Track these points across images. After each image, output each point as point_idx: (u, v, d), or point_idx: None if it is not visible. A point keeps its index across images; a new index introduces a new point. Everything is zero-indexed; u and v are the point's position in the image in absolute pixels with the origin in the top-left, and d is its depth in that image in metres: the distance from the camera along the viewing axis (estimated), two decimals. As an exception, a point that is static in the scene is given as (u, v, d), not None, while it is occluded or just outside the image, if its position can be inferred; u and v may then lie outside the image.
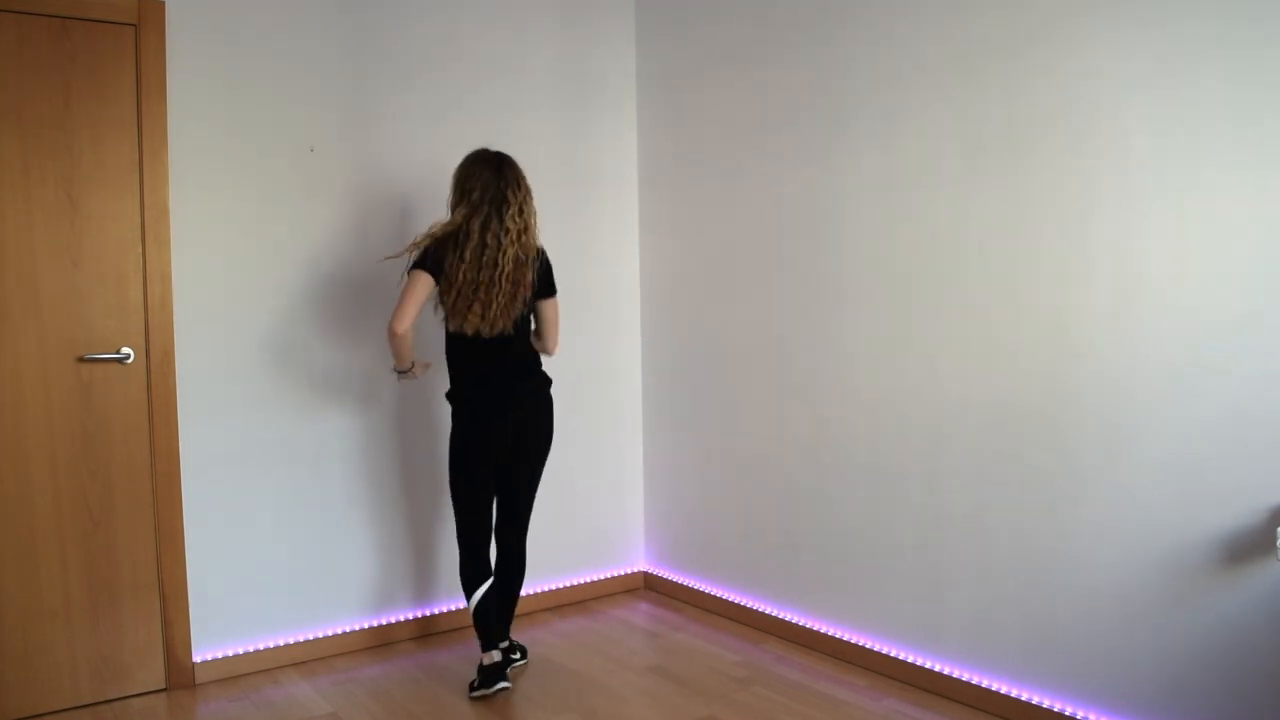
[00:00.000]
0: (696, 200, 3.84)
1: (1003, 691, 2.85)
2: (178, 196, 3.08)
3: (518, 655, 3.27)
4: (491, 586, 3.08)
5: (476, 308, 2.85)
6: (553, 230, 3.87)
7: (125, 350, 3.01)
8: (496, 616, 3.09)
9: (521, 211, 2.87)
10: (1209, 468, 2.40)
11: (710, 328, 3.81)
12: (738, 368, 3.69)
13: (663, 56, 3.98)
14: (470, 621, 3.30)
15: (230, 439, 3.20)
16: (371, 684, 3.18)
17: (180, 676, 3.13)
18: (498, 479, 3.09)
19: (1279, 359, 2.28)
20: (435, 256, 2.85)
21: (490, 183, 2.86)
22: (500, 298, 2.85)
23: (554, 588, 3.93)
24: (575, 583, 3.97)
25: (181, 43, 3.06)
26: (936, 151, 2.96)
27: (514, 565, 3.19)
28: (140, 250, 3.02)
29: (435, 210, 3.60)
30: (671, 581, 4.05)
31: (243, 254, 3.21)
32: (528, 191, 2.92)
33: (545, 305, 3.06)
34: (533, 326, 3.11)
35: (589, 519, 4.04)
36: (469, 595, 3.07)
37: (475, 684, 3.04)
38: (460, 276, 2.82)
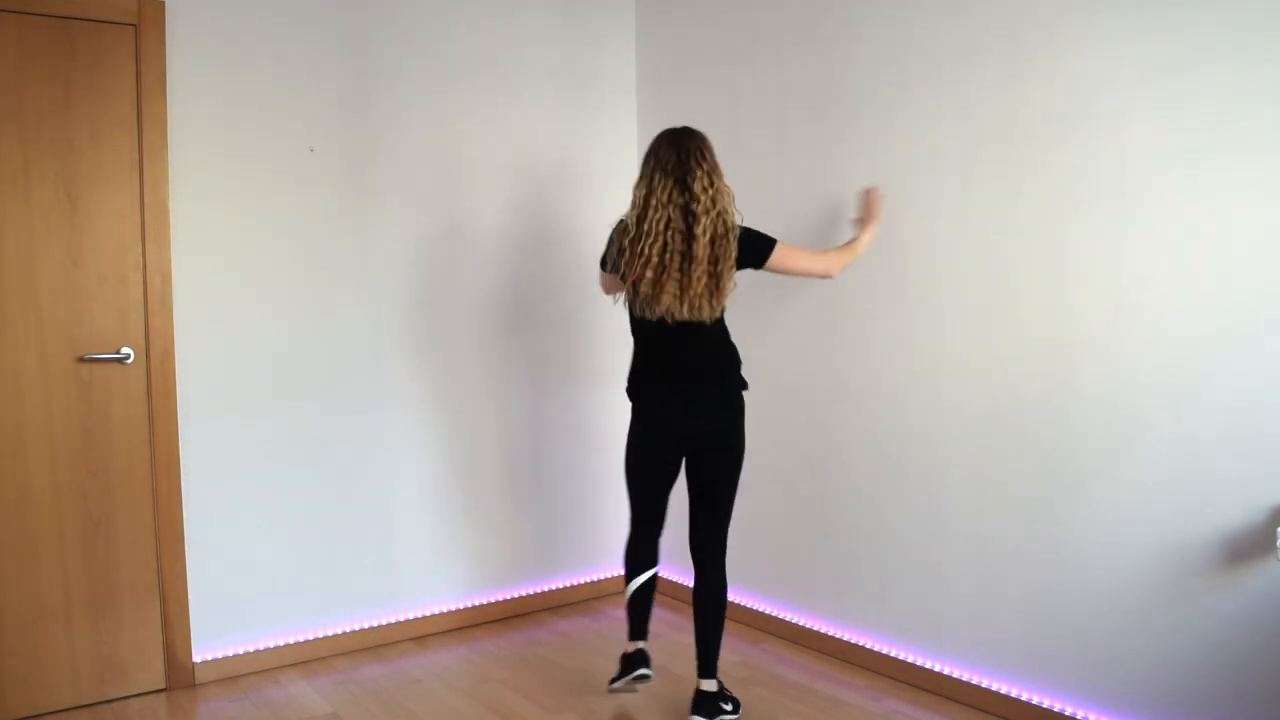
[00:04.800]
0: (696, 200, 3.83)
1: (1003, 691, 2.85)
2: (178, 196, 3.08)
3: (729, 708, 2.84)
4: (650, 580, 2.86)
5: (671, 287, 2.57)
6: (553, 230, 3.88)
7: (125, 350, 3.01)
8: (699, 643, 2.84)
9: (712, 182, 2.60)
10: (1209, 468, 2.40)
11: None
12: (738, 368, 3.69)
13: (663, 56, 3.98)
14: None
15: (230, 439, 3.20)
16: (371, 684, 3.18)
17: (180, 676, 3.13)
18: (691, 488, 2.86)
19: (1278, 358, 2.28)
20: (609, 254, 2.77)
21: (668, 155, 2.63)
22: (700, 276, 2.57)
23: (554, 588, 3.93)
24: (575, 583, 3.97)
25: (181, 42, 3.06)
26: (936, 151, 2.96)
27: (706, 589, 2.85)
28: (140, 250, 3.02)
29: (434, 209, 3.60)
30: (671, 581, 4.04)
31: (242, 253, 3.21)
32: (715, 165, 2.64)
33: (779, 263, 2.73)
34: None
35: (589, 519, 4.03)
36: (626, 581, 2.91)
37: (613, 677, 2.88)
38: (644, 254, 2.58)
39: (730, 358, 2.78)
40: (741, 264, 2.68)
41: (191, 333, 3.12)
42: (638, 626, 2.90)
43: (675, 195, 2.59)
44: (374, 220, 3.46)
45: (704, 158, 2.63)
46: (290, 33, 3.26)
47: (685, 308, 2.60)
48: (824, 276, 2.90)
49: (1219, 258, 2.37)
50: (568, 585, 3.96)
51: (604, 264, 2.84)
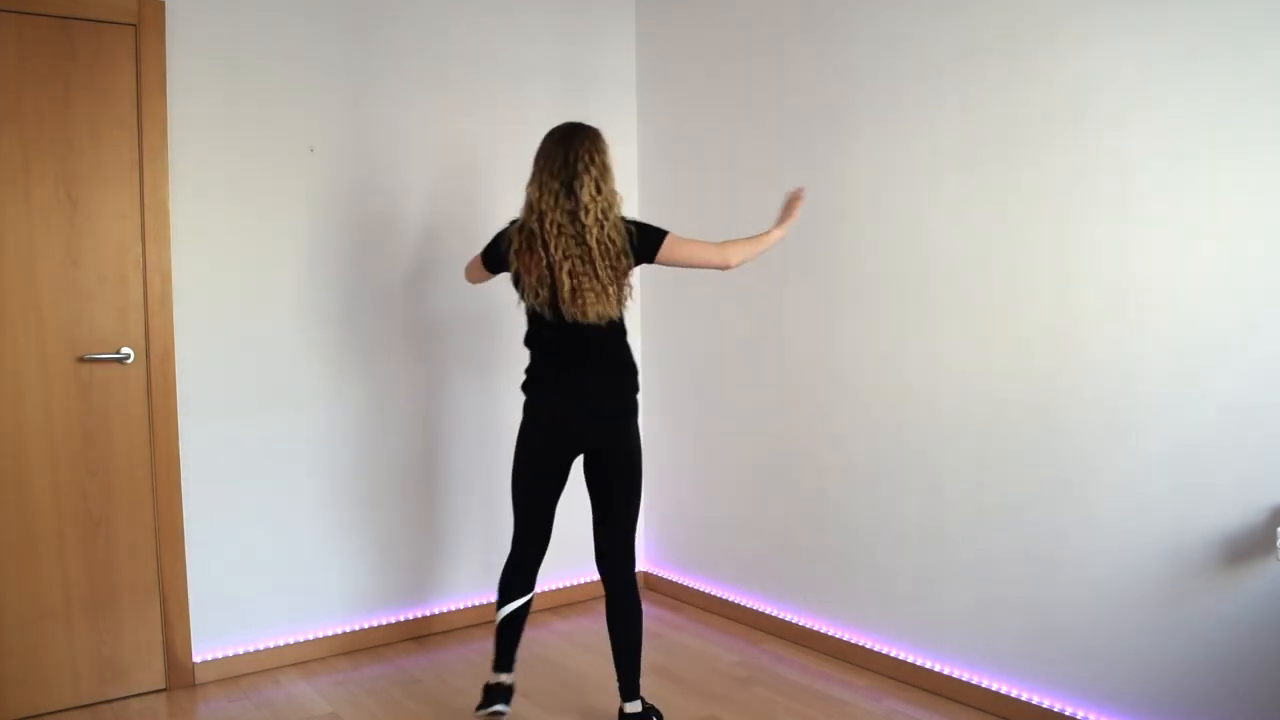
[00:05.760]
0: (696, 200, 3.84)
1: (1003, 691, 2.85)
2: (178, 196, 3.08)
3: None
4: (523, 607, 2.74)
5: (567, 293, 2.51)
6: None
7: (125, 350, 3.01)
8: (619, 665, 2.75)
9: (599, 188, 2.52)
10: (1209, 468, 2.40)
11: (710, 327, 3.81)
12: (737, 367, 3.69)
13: (663, 56, 3.98)
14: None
15: (230, 439, 3.20)
16: (371, 684, 3.18)
17: (180, 676, 3.13)
18: (592, 495, 2.77)
19: (1278, 358, 2.28)
20: (496, 248, 2.69)
21: (556, 156, 2.54)
22: (592, 281, 2.51)
23: (554, 588, 3.93)
24: (575, 583, 3.97)
25: (181, 43, 3.06)
26: (937, 150, 2.96)
27: (622, 610, 2.73)
28: (140, 250, 3.02)
29: (435, 210, 3.60)
30: (671, 581, 4.05)
31: (242, 253, 3.21)
32: (605, 167, 2.56)
33: (670, 254, 2.64)
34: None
35: (589, 519, 4.02)
36: (498, 606, 2.75)
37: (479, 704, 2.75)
38: (540, 259, 2.52)
39: (626, 362, 2.71)
40: (635, 260, 2.60)
41: (191, 333, 3.12)
42: (504, 657, 2.73)
43: (563, 199, 2.51)
44: (373, 220, 3.46)
45: (593, 160, 2.54)
46: (290, 32, 3.26)
47: (583, 311, 2.53)
48: (721, 267, 2.74)
49: (1219, 258, 2.37)
50: (568, 585, 3.96)
51: (486, 257, 2.75)
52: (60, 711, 2.96)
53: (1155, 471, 2.50)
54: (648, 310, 4.11)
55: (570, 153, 2.54)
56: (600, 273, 2.52)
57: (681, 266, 2.73)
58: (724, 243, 2.75)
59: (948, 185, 2.94)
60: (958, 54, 2.89)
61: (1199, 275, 2.40)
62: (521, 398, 2.76)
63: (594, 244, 2.51)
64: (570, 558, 3.97)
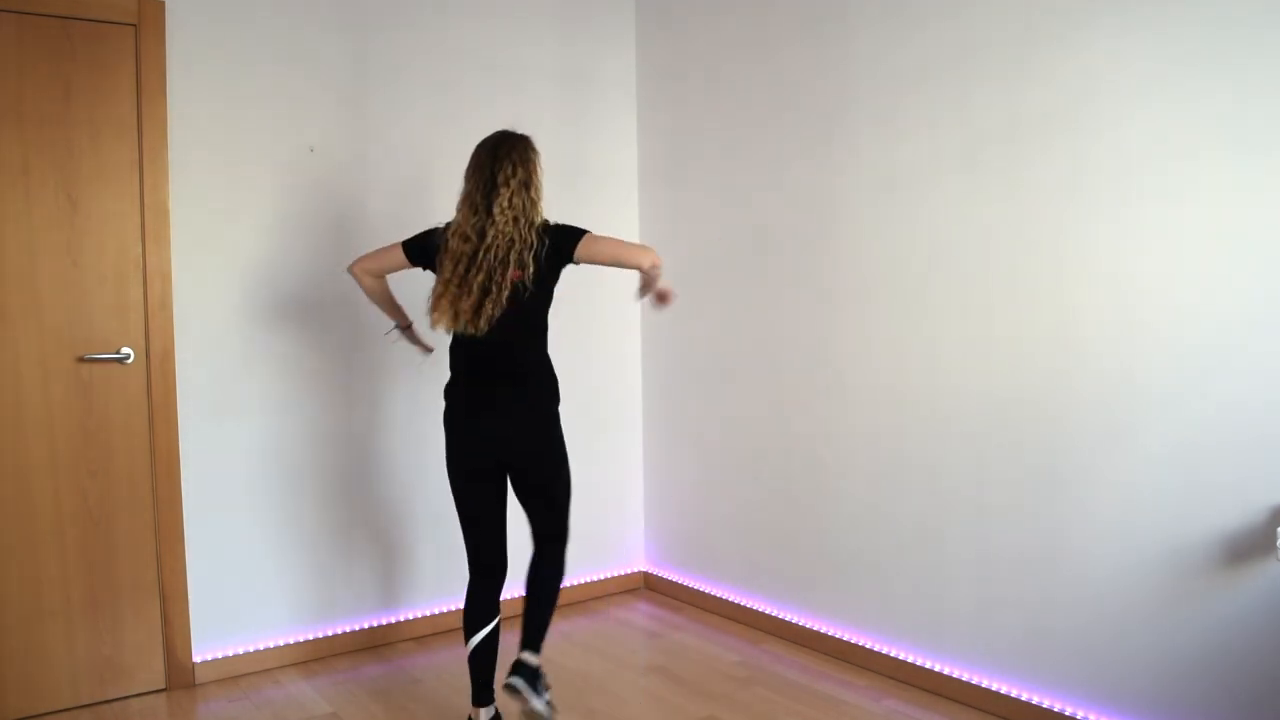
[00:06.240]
0: (696, 199, 3.84)
1: (1003, 691, 2.85)
2: (178, 196, 3.08)
3: (548, 695, 2.63)
4: (491, 633, 2.65)
5: (446, 303, 2.51)
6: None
7: (125, 350, 3.01)
8: (526, 617, 2.69)
9: (511, 203, 2.49)
10: (1209, 467, 2.40)
11: (710, 327, 3.81)
12: (738, 367, 3.69)
13: (663, 56, 3.98)
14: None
15: (230, 439, 3.20)
16: (371, 684, 3.18)
17: (180, 676, 3.13)
18: (521, 497, 2.71)
19: (1278, 358, 2.28)
20: (420, 243, 2.65)
21: (484, 167, 2.53)
22: (479, 295, 2.48)
23: (554, 588, 3.93)
24: (575, 583, 3.97)
25: (181, 43, 3.07)
26: (937, 150, 2.96)
27: (542, 570, 2.72)
28: (140, 250, 3.02)
29: (435, 209, 3.60)
30: (671, 581, 4.05)
31: (242, 254, 3.21)
32: (526, 177, 2.53)
33: (588, 254, 2.56)
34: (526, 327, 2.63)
35: (589, 519, 4.02)
36: (465, 638, 2.67)
37: None
38: (444, 268, 2.54)
39: (540, 373, 2.65)
40: (552, 262, 2.54)
41: (191, 333, 3.12)
42: (481, 689, 2.66)
43: (481, 216, 2.51)
44: (372, 220, 3.46)
45: (514, 173, 2.51)
46: (290, 33, 3.26)
47: (474, 323, 2.49)
48: (639, 267, 2.61)
49: (1219, 258, 2.37)
50: (568, 585, 3.95)
51: (410, 247, 2.68)
52: (60, 711, 2.96)
53: (1155, 471, 2.50)
54: (647, 310, 4.11)
55: (496, 166, 2.53)
56: (495, 288, 2.47)
57: (603, 264, 2.65)
58: (640, 244, 2.68)
59: (948, 185, 2.94)
60: (958, 54, 2.89)
61: (1199, 275, 2.40)
62: None
63: (481, 254, 2.48)
64: (570, 558, 3.97)
